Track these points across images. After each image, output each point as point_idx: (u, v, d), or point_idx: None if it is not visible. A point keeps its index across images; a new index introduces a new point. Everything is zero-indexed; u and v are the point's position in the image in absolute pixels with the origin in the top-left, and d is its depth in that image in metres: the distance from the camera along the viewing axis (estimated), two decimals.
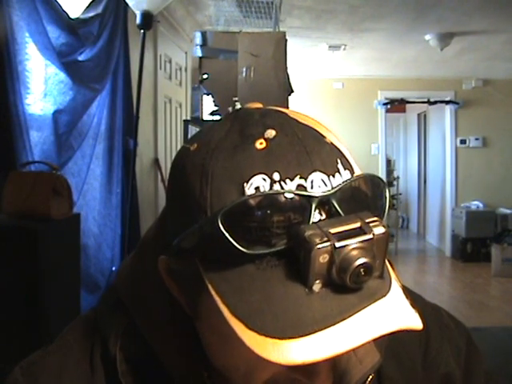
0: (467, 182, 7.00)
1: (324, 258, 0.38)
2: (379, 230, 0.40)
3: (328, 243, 0.38)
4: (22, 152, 2.05)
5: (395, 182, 7.60)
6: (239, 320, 0.39)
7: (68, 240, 2.08)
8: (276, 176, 0.41)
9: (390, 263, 0.59)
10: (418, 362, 0.60)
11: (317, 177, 0.42)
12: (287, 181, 0.41)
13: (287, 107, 3.02)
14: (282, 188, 0.41)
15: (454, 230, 6.84)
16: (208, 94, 3.04)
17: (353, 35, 4.87)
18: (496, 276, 5.77)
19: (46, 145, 2.24)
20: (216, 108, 3.02)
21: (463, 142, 7.02)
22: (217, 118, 3.01)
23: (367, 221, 0.40)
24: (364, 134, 7.08)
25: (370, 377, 0.53)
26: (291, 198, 0.40)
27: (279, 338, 0.37)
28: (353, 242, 0.39)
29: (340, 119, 7.01)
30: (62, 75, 2.32)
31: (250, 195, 0.41)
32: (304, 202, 0.41)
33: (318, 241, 0.38)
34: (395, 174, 7.69)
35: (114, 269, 2.92)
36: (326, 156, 0.44)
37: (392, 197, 7.53)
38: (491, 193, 6.89)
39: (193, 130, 3.14)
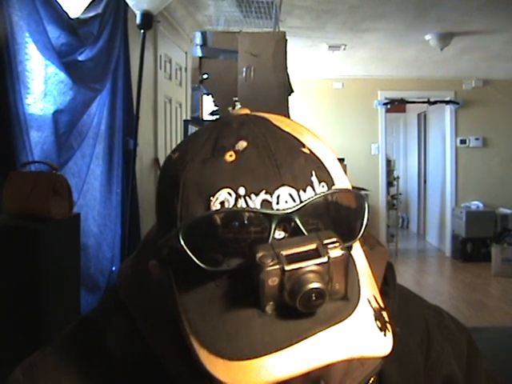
0: (467, 182, 7.00)
1: (273, 281, 0.37)
2: (336, 253, 0.38)
3: (277, 266, 0.37)
4: (22, 152, 2.05)
5: (395, 182, 7.59)
6: (196, 336, 0.39)
7: (68, 240, 2.08)
8: (241, 191, 0.41)
9: (390, 265, 0.59)
10: (420, 364, 0.60)
11: (284, 192, 0.41)
12: (252, 196, 0.41)
13: (287, 107, 3.01)
14: (247, 203, 0.41)
15: (454, 229, 6.84)
16: (208, 94, 3.04)
17: (353, 35, 4.86)
18: (496, 276, 5.77)
19: (46, 145, 2.24)
20: (216, 108, 3.01)
21: (463, 141, 7.02)
22: (217, 117, 3.01)
23: (325, 242, 0.38)
24: (364, 134, 7.07)
25: (372, 379, 0.52)
26: (251, 216, 0.40)
27: (228, 359, 0.37)
28: (306, 265, 0.37)
29: (340, 119, 7.01)
30: (62, 75, 2.32)
31: (212, 211, 0.41)
32: (264, 220, 0.40)
33: (268, 262, 0.37)
34: (395, 174, 7.68)
35: (114, 269, 2.91)
36: (299, 169, 0.43)
37: (392, 197, 7.54)
38: (491, 193, 6.88)
39: (193, 129, 3.14)
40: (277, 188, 0.41)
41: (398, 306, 0.55)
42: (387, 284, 0.57)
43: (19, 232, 1.80)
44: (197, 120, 3.14)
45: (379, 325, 0.40)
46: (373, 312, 0.40)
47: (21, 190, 1.85)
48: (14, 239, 1.79)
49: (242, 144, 0.44)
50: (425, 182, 8.58)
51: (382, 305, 0.42)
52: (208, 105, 3.07)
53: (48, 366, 0.54)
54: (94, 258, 2.75)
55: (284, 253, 0.38)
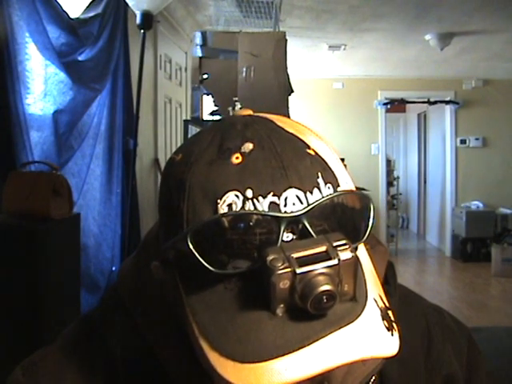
0: (467, 182, 7.00)
1: (285, 284, 0.37)
2: (345, 256, 0.38)
3: (289, 269, 0.37)
4: (22, 152, 2.05)
5: (395, 182, 7.59)
6: (205, 339, 0.39)
7: (68, 240, 2.08)
8: (249, 193, 0.41)
9: (390, 264, 0.59)
10: (421, 363, 0.60)
11: (291, 194, 0.41)
12: (260, 198, 0.41)
13: (287, 107, 3.02)
14: (255, 205, 0.41)
15: (454, 229, 6.84)
16: (208, 94, 3.04)
17: (353, 35, 4.86)
18: (496, 276, 5.77)
19: (45, 145, 2.24)
20: (216, 108, 3.01)
21: (463, 142, 7.02)
22: (217, 117, 3.01)
23: (335, 244, 0.39)
24: (364, 134, 7.07)
25: (373, 378, 0.52)
26: (258, 218, 0.40)
27: (239, 362, 0.37)
28: (316, 268, 0.37)
29: (340, 119, 7.01)
30: (62, 75, 2.32)
31: (220, 214, 0.41)
32: (273, 223, 0.40)
33: (279, 266, 0.37)
34: (395, 174, 7.68)
35: (114, 269, 2.91)
36: (305, 170, 0.43)
37: (392, 197, 7.54)
38: (491, 193, 6.88)
39: (193, 129, 3.14)
40: (284, 190, 0.41)
41: (399, 305, 0.55)
42: (388, 283, 0.57)
43: (19, 232, 1.80)
44: (197, 120, 3.14)
45: (386, 324, 0.40)
46: (380, 312, 0.40)
47: (21, 190, 1.85)
48: (13, 239, 1.79)
49: (248, 146, 0.44)
50: (425, 182, 8.57)
51: (387, 304, 0.42)
52: (208, 105, 3.07)
53: (48, 365, 0.54)
54: (94, 258, 2.75)
55: (294, 255, 0.38)
